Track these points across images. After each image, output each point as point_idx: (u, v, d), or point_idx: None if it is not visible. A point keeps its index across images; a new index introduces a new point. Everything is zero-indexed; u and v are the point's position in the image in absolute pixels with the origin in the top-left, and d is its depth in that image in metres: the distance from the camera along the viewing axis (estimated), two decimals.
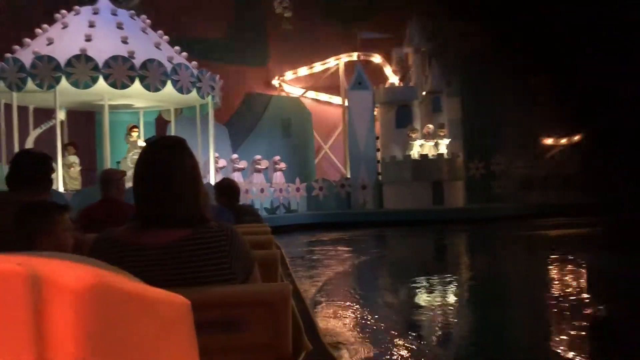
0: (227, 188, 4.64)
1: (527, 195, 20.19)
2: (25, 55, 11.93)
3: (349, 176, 20.12)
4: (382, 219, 17.67)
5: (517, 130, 21.93)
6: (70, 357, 0.60)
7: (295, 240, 13.69)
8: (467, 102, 21.91)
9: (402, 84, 19.78)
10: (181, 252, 1.53)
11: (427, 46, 20.28)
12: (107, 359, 0.64)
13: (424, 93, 19.92)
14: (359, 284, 8.35)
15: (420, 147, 19.04)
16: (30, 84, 11.72)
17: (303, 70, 21.86)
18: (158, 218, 1.55)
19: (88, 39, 12.23)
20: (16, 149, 11.29)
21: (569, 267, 8.95)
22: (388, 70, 21.74)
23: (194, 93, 13.13)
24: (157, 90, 12.27)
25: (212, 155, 14.52)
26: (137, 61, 12.03)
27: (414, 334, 5.00)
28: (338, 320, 5.55)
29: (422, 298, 6.80)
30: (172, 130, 15.32)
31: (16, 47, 12.54)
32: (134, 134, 14.68)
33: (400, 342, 4.72)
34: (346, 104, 20.73)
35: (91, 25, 12.59)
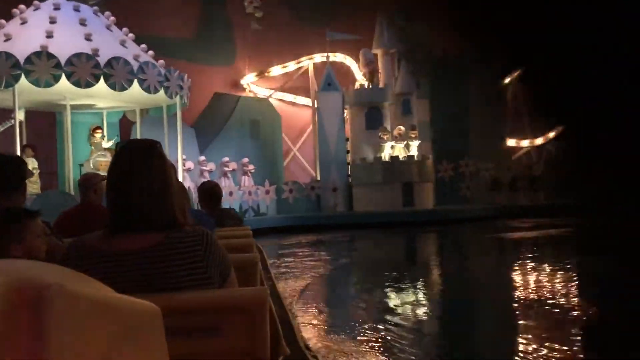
0: (208, 192, 4.58)
1: (495, 197, 20.37)
2: None
3: (319, 178, 19.89)
4: (353, 221, 17.52)
5: (485, 133, 22.15)
6: None
7: (266, 244, 13.36)
8: (435, 104, 22.01)
9: (371, 86, 19.65)
10: (155, 258, 1.51)
11: (396, 48, 20.24)
12: None
13: (393, 94, 19.85)
14: (336, 288, 8.33)
15: (391, 149, 18.96)
16: None
17: (272, 71, 21.54)
18: (130, 223, 1.53)
19: (49, 35, 11.63)
20: None
21: (541, 268, 9.02)
22: (357, 71, 21.63)
23: (161, 93, 12.65)
24: (123, 89, 11.76)
25: (180, 157, 14.06)
26: (102, 59, 11.50)
27: (394, 337, 5.00)
28: (316, 325, 5.51)
29: (399, 301, 6.81)
30: (138, 132, 14.79)
31: None
32: (98, 135, 14.12)
33: (380, 345, 4.71)
34: (316, 105, 20.51)
35: (52, 21, 11.98)
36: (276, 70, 21.63)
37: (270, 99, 21.41)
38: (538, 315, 5.65)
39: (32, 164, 13.15)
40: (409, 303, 6.68)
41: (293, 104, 22.19)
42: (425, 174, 19.07)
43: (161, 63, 12.87)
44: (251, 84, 21.54)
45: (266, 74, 21.46)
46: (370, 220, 17.26)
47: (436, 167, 20.32)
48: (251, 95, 21.36)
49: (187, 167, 15.88)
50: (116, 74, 11.52)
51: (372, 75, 19.43)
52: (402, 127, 19.17)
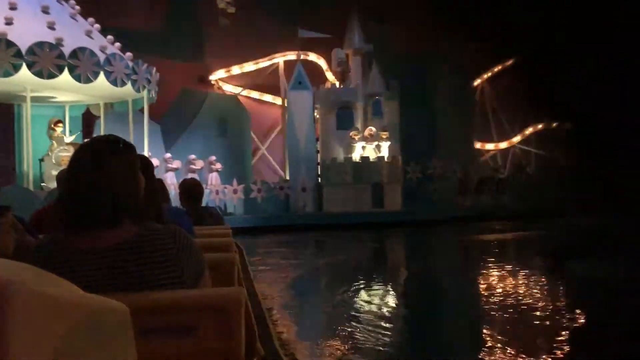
0: (187, 189, 4.52)
1: (462, 199, 20.47)
2: None
3: (288, 178, 19.59)
4: (323, 222, 17.27)
5: (453, 135, 22.27)
6: None
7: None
8: (404, 106, 21.99)
9: (342, 86, 19.46)
10: (124, 255, 1.47)
11: (367, 48, 20.11)
12: None
13: (364, 94, 19.71)
14: (311, 288, 8.39)
15: (362, 150, 18.81)
16: None
17: (241, 68, 21.12)
18: (87, 220, 1.49)
19: (8, 22, 10.99)
20: None
21: (505, 270, 9.16)
22: (328, 70, 21.42)
23: (128, 86, 12.16)
24: (88, 81, 11.22)
25: (145, 154, 13.54)
26: (66, 49, 10.94)
27: (368, 336, 5.05)
28: (292, 325, 5.54)
29: (373, 300, 6.93)
30: (102, 127, 14.19)
31: None
32: (59, 130, 13.51)
33: (354, 344, 4.75)
34: (286, 104, 20.21)
35: (12, 7, 11.33)
36: (245, 67, 21.21)
37: (238, 97, 20.99)
38: (501, 315, 5.83)
39: None
40: (383, 302, 6.81)
41: (262, 101, 21.82)
42: (395, 175, 19.01)
43: (129, 55, 12.37)
44: (220, 81, 21.06)
45: (240, 69, 21.02)
46: (339, 221, 17.06)
47: (404, 168, 20.28)
48: (219, 92, 20.89)
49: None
50: (81, 65, 10.98)
51: (343, 75, 19.23)
52: (373, 128, 19.05)
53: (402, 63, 22.55)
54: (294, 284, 8.40)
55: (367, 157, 18.54)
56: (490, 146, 24.47)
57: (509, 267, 9.39)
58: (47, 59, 10.68)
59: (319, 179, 19.33)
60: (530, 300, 6.44)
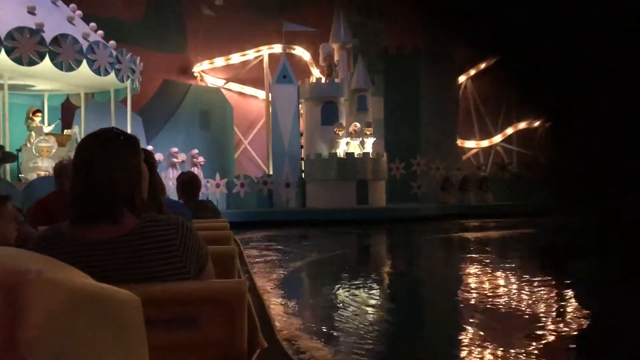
0: (184, 182, 4.52)
1: (446, 196, 20.46)
2: None
3: (271, 173, 19.32)
4: (306, 218, 17.05)
5: (437, 132, 22.26)
6: (10, 353, 0.62)
7: None
8: (388, 102, 21.90)
9: (328, 80, 19.23)
10: (128, 247, 1.48)
11: (352, 43, 19.92)
12: (48, 353, 0.65)
13: (349, 89, 19.52)
14: (305, 283, 8.41)
15: (346, 145, 18.63)
16: None
17: (225, 60, 20.75)
18: (98, 212, 1.50)
19: None
20: None
21: (486, 267, 9.16)
22: (313, 65, 21.18)
23: (110, 76, 11.76)
24: (70, 70, 10.80)
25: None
26: (48, 35, 10.50)
27: (367, 330, 5.12)
28: (293, 318, 5.55)
29: (369, 294, 7.06)
30: (82, 117, 13.74)
31: None
32: (37, 119, 13.03)
33: (352, 338, 4.83)
34: (270, 97, 19.92)
35: None
36: (229, 60, 20.84)
37: (222, 89, 20.62)
38: (480, 312, 5.91)
39: None
40: (381, 296, 6.98)
41: (245, 95, 21.49)
42: (380, 172, 18.86)
43: (112, 44, 11.96)
44: (202, 73, 20.65)
45: (224, 61, 20.64)
46: (324, 218, 16.86)
47: (388, 165, 20.18)
48: (202, 84, 20.49)
49: None
50: (63, 52, 10.56)
51: (330, 69, 18.99)
52: (357, 124, 18.87)
53: (386, 59, 22.47)
54: (285, 279, 8.31)
55: (352, 153, 18.37)
56: (472, 144, 24.54)
57: (494, 265, 9.41)
58: (27, 45, 10.23)
59: (303, 175, 19.10)
60: (520, 302, 6.44)
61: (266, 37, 20.53)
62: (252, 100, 21.49)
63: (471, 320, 5.61)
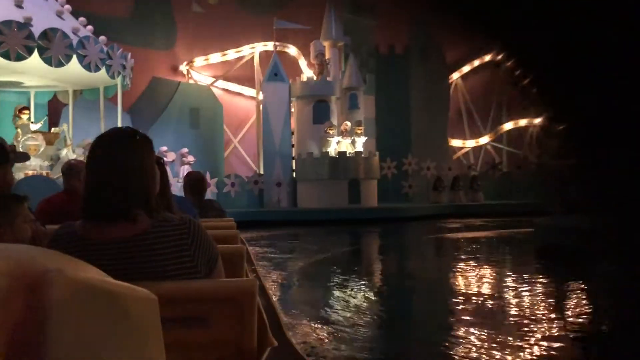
0: (191, 182, 4.59)
1: (437, 196, 20.39)
2: None
3: (261, 172, 19.09)
4: (298, 218, 16.86)
5: (428, 131, 22.19)
6: (32, 348, 0.62)
7: None
8: (380, 101, 21.79)
9: (319, 78, 19.05)
10: (140, 246, 1.49)
11: (344, 41, 19.77)
12: (71, 351, 0.65)
13: (340, 88, 19.37)
14: (310, 282, 8.31)
15: (337, 144, 18.46)
16: None
17: (214, 58, 20.46)
18: (111, 212, 1.50)
19: None
20: None
21: (480, 267, 9.10)
22: (304, 63, 20.98)
23: (101, 72, 11.46)
24: (60, 65, 10.48)
25: None
26: (36, 29, 10.18)
27: (376, 330, 5.16)
28: (303, 317, 5.57)
29: (378, 293, 7.07)
30: (70, 115, 13.41)
31: None
32: (24, 117, 12.67)
33: (365, 338, 4.85)
34: (261, 96, 19.68)
35: None
36: (219, 57, 20.56)
37: (211, 87, 20.34)
38: (475, 310, 5.93)
39: None
40: (389, 295, 7.04)
41: (235, 93, 21.22)
42: (371, 171, 18.73)
43: (103, 39, 11.66)
44: (192, 70, 20.35)
45: (214, 58, 20.36)
46: (315, 217, 16.67)
47: (380, 164, 20.07)
48: (191, 82, 20.19)
49: None
50: (53, 47, 10.24)
51: (321, 67, 18.80)
52: (348, 123, 18.72)
53: (378, 58, 22.36)
54: (285, 279, 8.22)
55: (344, 153, 18.21)
56: (462, 143, 24.53)
57: (490, 264, 9.42)
58: (15, 39, 9.91)
59: (294, 174, 18.90)
60: (516, 300, 6.40)
61: (257, 34, 20.29)
62: (242, 99, 21.23)
63: (500, 322, 5.47)
